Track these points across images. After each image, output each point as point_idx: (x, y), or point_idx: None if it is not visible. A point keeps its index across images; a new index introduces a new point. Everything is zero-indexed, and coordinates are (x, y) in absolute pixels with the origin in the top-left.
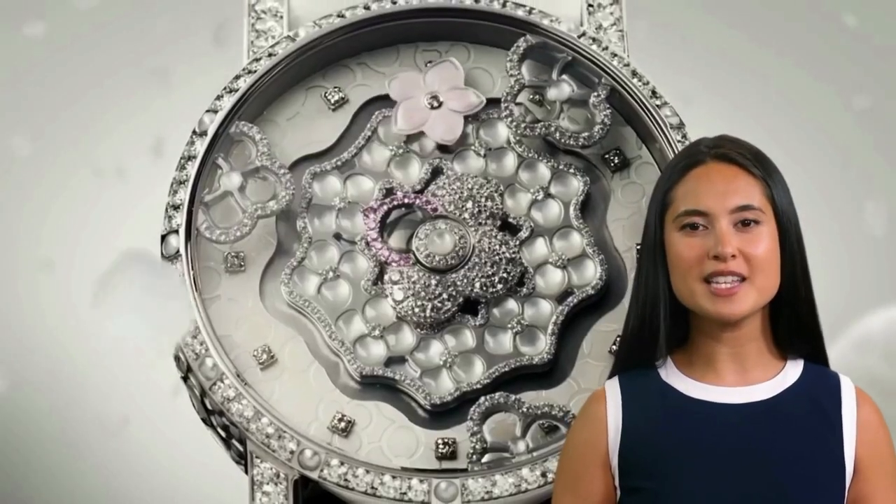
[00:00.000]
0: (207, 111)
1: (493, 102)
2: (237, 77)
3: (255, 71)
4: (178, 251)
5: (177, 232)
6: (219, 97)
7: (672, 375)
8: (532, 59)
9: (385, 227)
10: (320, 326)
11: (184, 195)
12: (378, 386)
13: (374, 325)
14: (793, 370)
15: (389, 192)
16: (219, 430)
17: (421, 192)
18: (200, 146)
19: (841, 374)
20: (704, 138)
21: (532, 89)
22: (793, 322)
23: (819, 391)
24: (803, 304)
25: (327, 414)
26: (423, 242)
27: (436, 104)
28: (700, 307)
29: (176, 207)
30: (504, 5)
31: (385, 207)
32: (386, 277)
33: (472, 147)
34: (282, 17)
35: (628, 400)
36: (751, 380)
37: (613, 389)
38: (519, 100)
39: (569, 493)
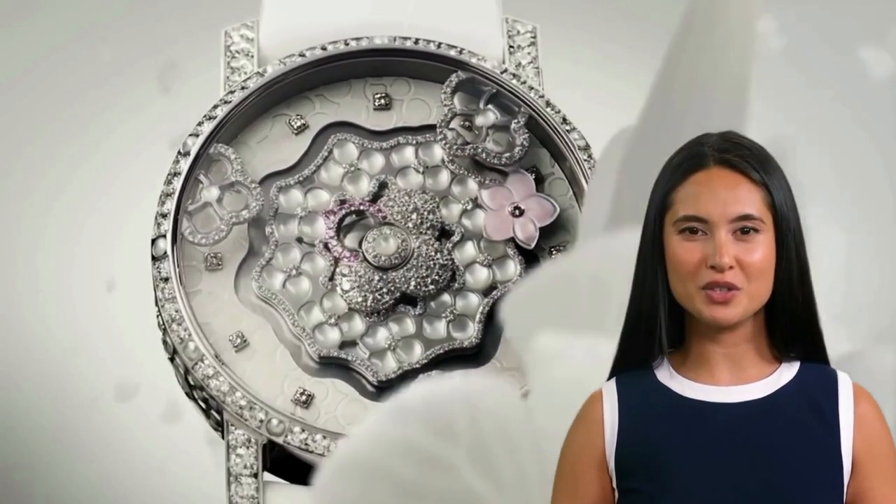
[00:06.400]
0: (190, 135)
1: (430, 128)
2: (215, 106)
3: (231, 101)
4: (165, 252)
5: (165, 236)
6: (199, 123)
7: (667, 376)
8: (462, 92)
9: (341, 230)
10: (285, 315)
11: (170, 205)
12: (333, 366)
13: (330, 315)
14: (788, 369)
15: (343, 202)
16: (200, 402)
17: (374, 201)
18: (184, 164)
19: (839, 371)
20: (709, 136)
21: (462, 117)
22: (787, 327)
23: (815, 388)
24: (800, 309)
25: (291, 389)
26: (371, 244)
27: (517, 213)
28: (696, 311)
29: (164, 216)
30: (439, 46)
31: (343, 212)
32: (337, 270)
33: (412, 165)
34: (252, 56)
35: (625, 401)
36: (745, 379)
37: (610, 391)
38: (451, 126)
39: (567, 495)
